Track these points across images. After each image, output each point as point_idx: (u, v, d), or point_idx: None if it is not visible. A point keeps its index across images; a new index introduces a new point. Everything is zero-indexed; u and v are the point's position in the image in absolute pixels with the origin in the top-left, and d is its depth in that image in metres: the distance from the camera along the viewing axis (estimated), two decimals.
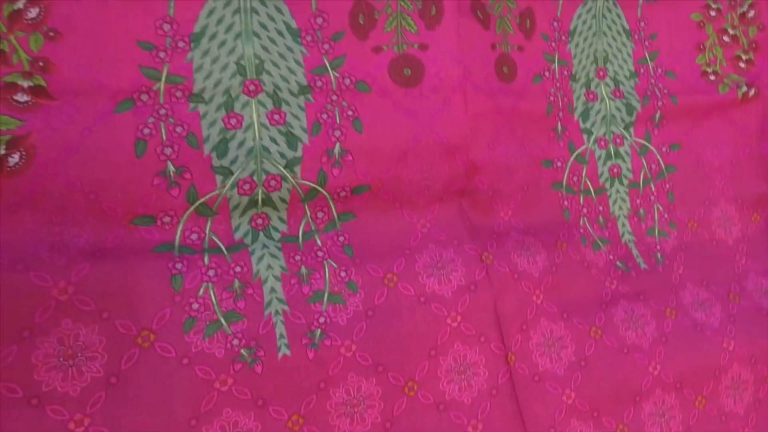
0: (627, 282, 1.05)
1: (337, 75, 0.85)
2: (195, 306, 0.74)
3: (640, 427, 0.97)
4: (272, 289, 0.79)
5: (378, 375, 0.82)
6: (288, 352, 0.77)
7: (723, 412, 1.05)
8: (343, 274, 0.84)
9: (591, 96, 1.09)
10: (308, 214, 0.85)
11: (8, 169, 0.66)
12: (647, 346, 1.00)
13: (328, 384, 0.79)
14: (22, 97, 0.67)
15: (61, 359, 0.67)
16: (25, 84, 0.67)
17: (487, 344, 0.89)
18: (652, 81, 1.14)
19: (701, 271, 1.13)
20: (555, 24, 1.06)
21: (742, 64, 1.22)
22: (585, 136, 1.09)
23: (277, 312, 0.79)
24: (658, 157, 1.14)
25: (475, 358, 0.88)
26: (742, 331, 1.09)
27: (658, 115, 1.13)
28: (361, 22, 0.86)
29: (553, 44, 1.06)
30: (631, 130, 1.12)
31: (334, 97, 0.85)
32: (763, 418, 1.09)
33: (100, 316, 0.69)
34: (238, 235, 0.80)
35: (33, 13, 0.68)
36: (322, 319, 0.80)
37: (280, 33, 0.81)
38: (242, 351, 0.75)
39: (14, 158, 0.67)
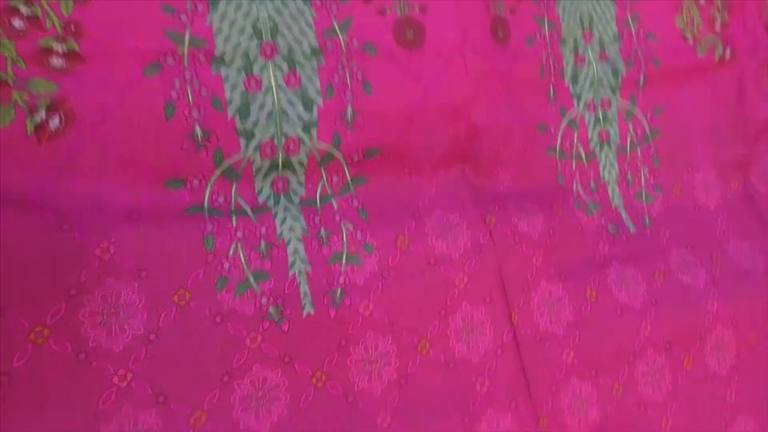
0: (618, 245, 1.22)
1: (345, 38, 0.98)
2: (226, 266, 0.87)
3: (633, 386, 1.14)
4: (295, 250, 0.92)
5: (393, 333, 0.96)
6: (312, 311, 0.91)
7: (707, 374, 1.22)
8: (359, 236, 0.98)
9: (579, 60, 1.26)
10: (324, 177, 0.98)
11: (50, 133, 0.78)
12: (639, 307, 1.17)
13: (349, 342, 0.93)
14: (57, 62, 0.78)
15: (105, 316, 0.78)
16: (59, 48, 0.78)
17: (492, 305, 1.04)
18: (635, 43, 1.31)
19: (686, 235, 1.31)
20: None
21: (717, 26, 1.40)
22: (575, 101, 1.25)
23: (300, 272, 0.92)
24: (643, 121, 1.31)
25: (482, 318, 1.03)
26: (725, 293, 1.27)
27: (641, 78, 1.30)
28: None
29: (542, 6, 1.21)
30: (618, 93, 1.29)
31: (345, 60, 0.98)
32: (744, 380, 1.26)
33: (139, 275, 0.81)
34: (261, 198, 0.93)
35: None
36: (341, 279, 0.94)
37: None
38: (270, 309, 0.88)
39: (55, 122, 0.77)
